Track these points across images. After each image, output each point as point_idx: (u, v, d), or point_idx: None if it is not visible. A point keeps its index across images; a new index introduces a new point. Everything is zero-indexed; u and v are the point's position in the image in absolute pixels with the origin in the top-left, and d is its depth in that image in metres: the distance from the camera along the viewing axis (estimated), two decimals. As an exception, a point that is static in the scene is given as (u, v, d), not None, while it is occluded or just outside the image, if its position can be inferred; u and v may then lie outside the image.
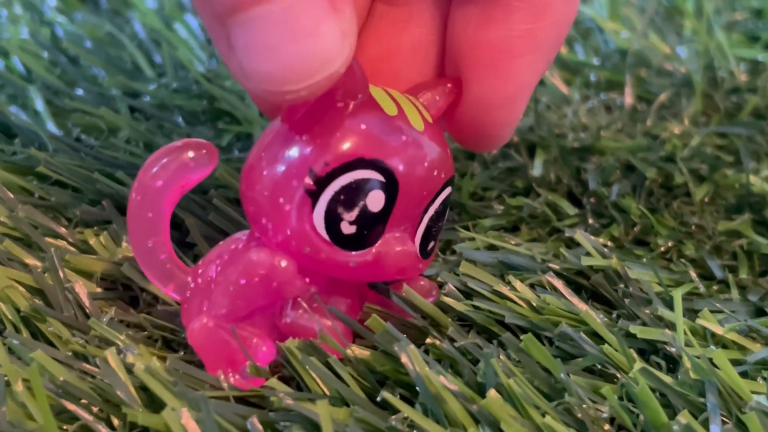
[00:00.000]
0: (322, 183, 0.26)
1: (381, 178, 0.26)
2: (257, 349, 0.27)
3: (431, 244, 0.29)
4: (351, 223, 0.26)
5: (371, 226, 0.27)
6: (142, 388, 0.26)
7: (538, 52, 0.29)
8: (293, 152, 0.26)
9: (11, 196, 0.33)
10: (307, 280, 0.27)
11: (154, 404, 0.26)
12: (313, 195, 0.26)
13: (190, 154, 0.27)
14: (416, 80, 0.30)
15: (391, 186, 0.27)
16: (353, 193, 0.26)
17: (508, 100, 0.30)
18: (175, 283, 0.28)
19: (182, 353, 0.28)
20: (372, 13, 0.31)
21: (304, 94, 0.25)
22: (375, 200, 0.26)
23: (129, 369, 0.26)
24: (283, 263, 0.26)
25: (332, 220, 0.26)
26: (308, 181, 0.26)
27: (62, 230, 0.32)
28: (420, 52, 0.31)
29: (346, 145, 0.26)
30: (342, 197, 0.26)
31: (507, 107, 0.30)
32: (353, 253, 0.27)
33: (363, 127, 0.27)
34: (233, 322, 0.27)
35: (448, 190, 0.28)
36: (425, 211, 0.28)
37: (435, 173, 0.28)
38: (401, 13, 0.31)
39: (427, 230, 0.28)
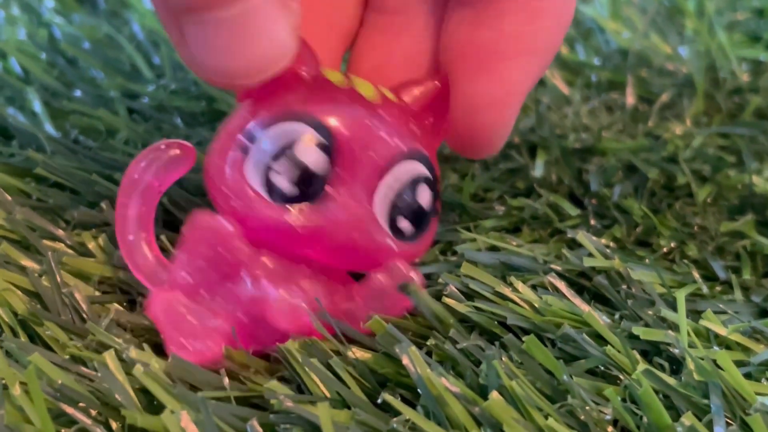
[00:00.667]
0: (251, 137, 0.27)
1: (312, 131, 0.27)
2: (219, 328, 0.27)
3: (404, 223, 0.28)
4: (280, 173, 0.27)
5: (305, 180, 0.27)
6: (141, 391, 0.26)
7: (530, 55, 0.29)
8: (236, 121, 0.28)
9: (9, 198, 0.33)
10: (257, 250, 0.27)
11: (153, 407, 0.25)
12: (245, 150, 0.27)
13: (168, 150, 0.29)
14: None
15: (326, 139, 0.27)
16: (279, 143, 0.27)
17: (496, 102, 0.29)
18: (155, 277, 0.28)
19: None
20: (364, 22, 0.31)
21: (255, 84, 0.26)
22: (305, 152, 0.27)
23: (128, 371, 0.26)
24: (225, 224, 0.27)
25: (261, 171, 0.27)
26: (240, 137, 0.27)
27: (60, 232, 0.32)
28: (412, 62, 0.31)
29: (281, 103, 0.27)
30: (268, 148, 0.27)
31: (495, 110, 0.29)
32: (292, 209, 0.27)
33: (303, 90, 0.28)
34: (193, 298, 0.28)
35: (416, 165, 0.28)
36: (381, 179, 0.27)
37: (385, 137, 0.27)
38: (394, 22, 0.31)
39: (391, 204, 0.28)
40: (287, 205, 0.27)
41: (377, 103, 0.28)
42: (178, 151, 0.28)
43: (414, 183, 0.28)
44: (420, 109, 0.29)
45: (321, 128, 0.27)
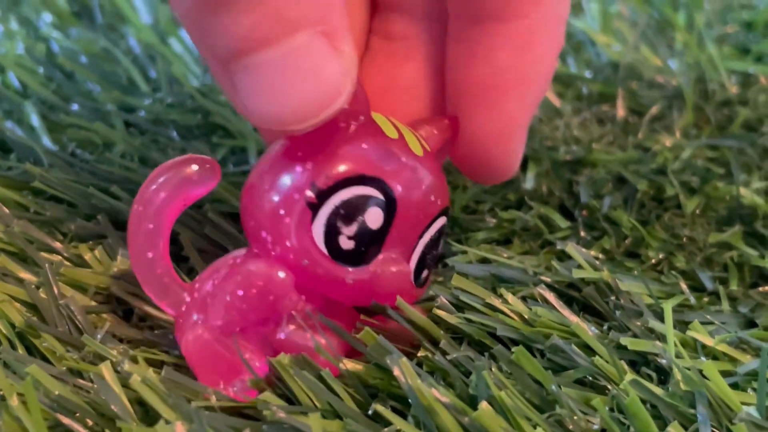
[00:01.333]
0: (323, 196, 0.26)
1: (381, 196, 0.27)
2: (251, 363, 0.27)
3: (425, 273, 0.29)
4: (350, 238, 0.27)
5: (369, 244, 0.27)
6: (137, 402, 0.26)
7: (526, 85, 0.30)
8: (296, 167, 0.27)
9: (6, 210, 0.33)
10: (303, 298, 0.28)
11: (149, 418, 0.26)
12: (314, 208, 0.26)
13: (194, 167, 0.27)
14: (410, 117, 0.30)
15: (390, 205, 0.27)
16: (353, 208, 0.27)
17: (500, 135, 0.30)
18: (171, 298, 0.28)
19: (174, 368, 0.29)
20: (368, 48, 0.31)
21: (308, 129, 0.25)
22: (374, 218, 0.27)
23: (124, 381, 0.26)
24: (281, 274, 0.27)
25: (331, 233, 0.27)
26: (309, 193, 0.26)
27: (57, 245, 0.33)
28: (414, 89, 0.31)
29: (348, 162, 0.27)
30: (342, 211, 0.27)
31: (501, 141, 0.30)
32: (350, 269, 0.27)
33: (364, 146, 0.27)
34: (226, 336, 0.27)
35: (443, 220, 0.29)
36: (421, 236, 0.28)
37: (432, 198, 0.28)
38: (397, 49, 0.31)
39: (421, 257, 0.28)
40: (348, 267, 0.27)
41: (422, 157, 0.28)
42: (202, 169, 0.28)
43: (439, 236, 0.29)
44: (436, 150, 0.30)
45: (389, 195, 0.27)
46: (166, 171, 0.27)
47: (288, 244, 0.27)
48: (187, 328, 0.28)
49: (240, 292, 0.27)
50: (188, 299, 0.28)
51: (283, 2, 0.24)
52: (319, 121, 0.25)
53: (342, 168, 0.27)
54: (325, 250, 0.27)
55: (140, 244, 0.27)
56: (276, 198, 0.27)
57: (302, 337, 0.27)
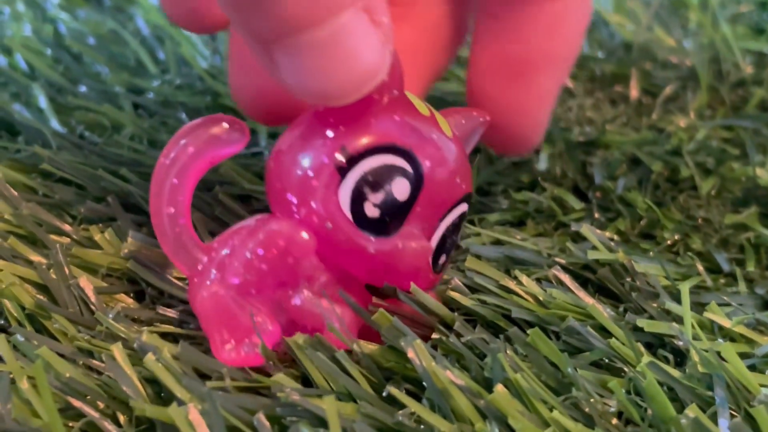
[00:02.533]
0: (352, 161, 0.27)
1: (409, 168, 0.27)
2: (263, 327, 0.27)
3: (442, 259, 0.29)
4: (375, 205, 0.27)
5: (393, 215, 0.27)
6: (148, 381, 0.26)
7: (555, 62, 0.31)
8: (327, 132, 0.27)
9: (15, 193, 0.33)
10: (323, 266, 0.27)
11: (161, 399, 0.26)
12: (342, 172, 0.26)
13: (223, 126, 0.27)
14: (406, 79, 0.31)
15: (417, 179, 0.27)
16: (381, 176, 0.27)
17: (529, 110, 0.31)
18: (188, 257, 0.27)
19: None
20: None
21: (350, 102, 0.26)
22: (401, 189, 0.27)
23: (136, 361, 0.26)
24: (304, 235, 0.27)
25: (357, 199, 0.27)
26: (339, 157, 0.26)
27: (67, 227, 0.32)
28: (407, 53, 0.31)
29: (380, 131, 0.27)
30: (370, 178, 0.27)
31: (530, 116, 0.31)
32: (373, 239, 0.27)
33: (396, 118, 0.27)
34: (242, 297, 0.27)
35: (465, 206, 0.29)
36: (443, 218, 0.28)
37: (457, 180, 0.28)
38: (395, 12, 0.31)
39: (442, 240, 0.28)
40: (370, 236, 0.27)
41: (451, 138, 0.28)
42: (232, 129, 0.27)
43: (460, 223, 0.29)
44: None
45: (417, 169, 0.27)
46: (195, 128, 0.27)
47: (313, 205, 0.27)
48: (203, 285, 0.27)
49: (260, 251, 0.27)
50: (205, 259, 0.27)
51: None
52: (362, 95, 0.25)
53: (373, 136, 0.27)
54: (350, 216, 0.27)
55: (162, 199, 0.27)
56: (305, 161, 0.27)
57: (317, 306, 0.27)
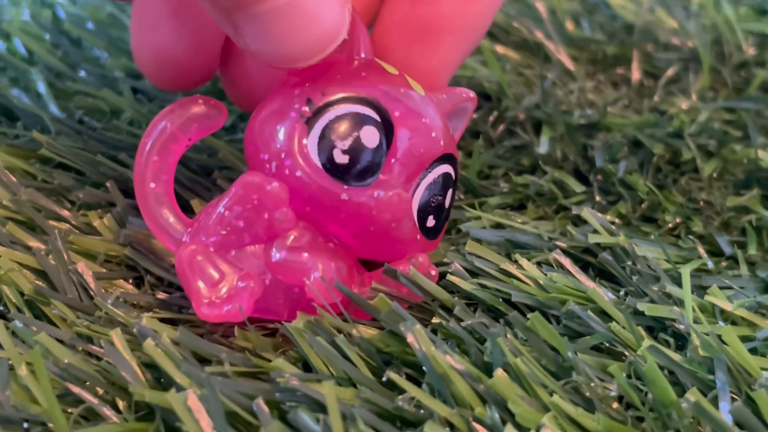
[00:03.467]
0: (318, 111, 0.27)
1: (377, 117, 0.28)
2: (246, 281, 0.27)
3: (431, 221, 0.29)
4: (344, 152, 0.27)
5: (364, 162, 0.27)
6: (147, 367, 0.26)
7: (463, 32, 0.31)
8: (294, 91, 0.28)
9: (14, 179, 0.33)
10: (301, 224, 0.28)
11: (160, 385, 0.26)
12: (309, 122, 0.27)
13: (201, 105, 0.29)
14: None
15: (386, 127, 0.28)
16: (348, 123, 0.27)
17: (429, 73, 0.31)
18: (172, 233, 0.28)
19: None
20: None
21: (313, 63, 0.27)
22: (369, 136, 0.27)
23: (135, 347, 0.26)
24: (275, 185, 0.27)
25: (325, 146, 0.27)
26: (305, 108, 0.27)
27: (65, 213, 0.32)
28: None
29: (345, 83, 0.28)
30: (336, 125, 0.27)
31: (428, 79, 0.31)
32: (346, 186, 0.27)
33: (363, 74, 0.28)
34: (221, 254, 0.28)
35: (448, 168, 0.29)
36: (423, 175, 0.28)
37: (433, 135, 0.28)
38: None
39: (425, 199, 0.28)
40: (342, 183, 0.27)
41: (424, 96, 0.29)
42: (209, 107, 0.29)
43: (446, 185, 0.29)
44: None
45: (385, 117, 0.28)
46: (174, 109, 0.28)
47: (283, 156, 0.27)
48: (181, 248, 0.28)
49: (235, 207, 0.27)
50: (189, 231, 0.28)
51: None
52: (325, 55, 0.26)
53: (338, 88, 0.28)
54: (318, 163, 0.27)
55: (145, 176, 0.28)
56: (274, 119, 0.28)
57: (297, 258, 0.27)
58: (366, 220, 0.28)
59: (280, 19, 0.25)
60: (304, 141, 0.27)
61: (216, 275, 0.27)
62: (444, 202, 0.29)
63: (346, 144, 0.27)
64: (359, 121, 0.27)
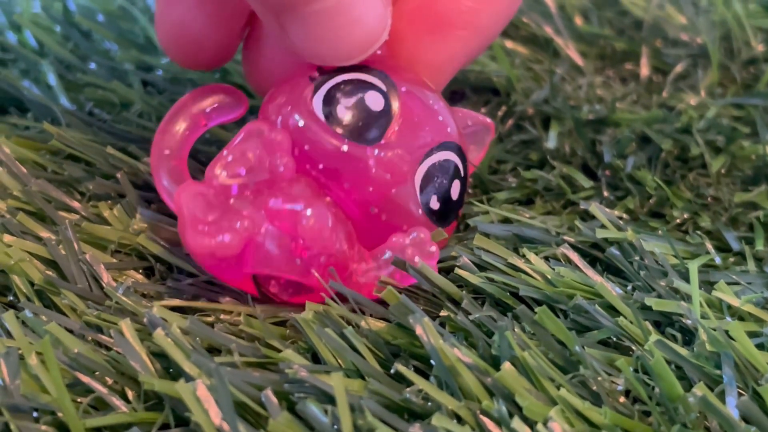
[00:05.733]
0: (326, 75, 0.29)
1: (383, 87, 0.29)
2: (242, 222, 0.27)
3: (434, 202, 0.29)
4: (347, 108, 0.28)
5: (367, 122, 0.28)
6: (156, 356, 0.26)
7: (477, 30, 0.31)
8: (305, 65, 0.29)
9: (24, 170, 0.33)
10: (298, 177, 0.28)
11: (169, 375, 0.26)
12: (317, 84, 0.29)
13: (221, 92, 0.30)
14: None
15: (392, 94, 0.29)
16: (354, 85, 0.29)
17: (435, 65, 0.31)
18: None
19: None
20: None
21: (356, 62, 0.28)
22: (374, 100, 0.28)
23: (145, 336, 0.26)
24: (276, 132, 0.28)
25: (330, 101, 0.28)
26: (315, 73, 0.29)
27: (75, 204, 0.32)
28: None
29: (357, 58, 0.29)
30: (342, 86, 0.28)
31: (432, 73, 0.31)
32: (347, 140, 0.28)
33: (378, 52, 0.29)
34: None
35: (452, 155, 0.29)
36: (427, 155, 0.29)
37: (440, 118, 0.29)
38: None
39: (428, 179, 0.29)
40: (343, 137, 0.28)
41: (436, 93, 0.30)
42: (230, 96, 0.30)
43: (452, 174, 0.29)
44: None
45: (392, 88, 0.29)
46: (197, 92, 0.30)
47: (289, 109, 0.29)
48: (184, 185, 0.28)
49: (238, 153, 0.28)
50: None
51: None
52: (367, 55, 0.28)
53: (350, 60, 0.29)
54: (321, 116, 0.28)
55: (162, 147, 0.29)
56: (286, 84, 0.29)
57: (293, 205, 0.28)
58: (365, 179, 0.28)
59: (328, 21, 0.26)
60: (310, 98, 0.28)
61: (211, 212, 0.27)
62: (449, 189, 0.29)
63: (350, 102, 0.28)
64: (366, 86, 0.29)
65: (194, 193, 0.27)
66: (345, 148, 0.28)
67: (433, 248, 0.29)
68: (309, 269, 0.28)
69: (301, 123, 0.28)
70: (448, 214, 0.30)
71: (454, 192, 0.30)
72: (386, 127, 0.28)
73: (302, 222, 0.27)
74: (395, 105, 0.29)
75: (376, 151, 0.28)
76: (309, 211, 0.27)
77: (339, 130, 0.28)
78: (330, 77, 0.28)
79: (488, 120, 0.32)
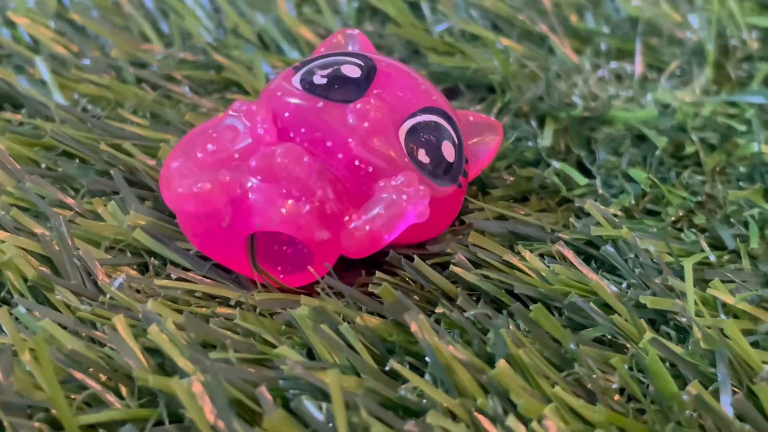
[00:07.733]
0: (306, 62, 0.31)
1: (360, 62, 0.31)
2: (223, 178, 0.28)
3: (422, 155, 0.29)
4: (323, 76, 0.30)
5: (342, 85, 0.30)
6: (150, 353, 0.26)
7: None
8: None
9: (18, 166, 0.33)
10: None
11: (164, 371, 0.26)
12: (296, 68, 0.31)
13: None
14: None
15: (369, 68, 0.31)
16: (330, 61, 0.31)
17: None
18: None
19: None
20: None
21: None
22: (350, 70, 0.31)
23: (139, 333, 0.26)
24: (252, 104, 0.29)
25: (307, 74, 0.31)
26: (297, 64, 0.31)
27: (69, 200, 0.32)
28: None
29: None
30: (319, 63, 0.31)
31: None
32: (322, 99, 0.30)
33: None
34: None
35: (444, 123, 0.30)
36: (412, 116, 0.30)
37: (423, 88, 0.31)
38: None
39: (413, 132, 0.30)
40: (319, 97, 0.30)
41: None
42: None
43: (441, 134, 0.30)
44: None
45: (371, 64, 0.31)
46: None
47: (271, 87, 0.31)
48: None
49: (222, 126, 0.30)
50: None
51: None
52: None
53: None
54: (299, 86, 0.30)
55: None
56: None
57: (269, 163, 0.28)
58: (343, 130, 0.29)
59: None
60: (291, 77, 0.31)
61: (192, 173, 0.28)
62: (440, 148, 0.30)
63: (325, 71, 0.31)
64: (341, 61, 0.31)
65: (176, 167, 0.29)
66: (320, 104, 0.29)
67: (422, 188, 0.28)
68: (298, 221, 0.28)
69: (279, 93, 0.30)
70: (444, 173, 0.30)
71: (447, 153, 0.30)
72: (364, 90, 0.30)
73: (276, 160, 0.28)
74: (372, 74, 0.30)
75: (352, 105, 0.29)
76: (280, 149, 0.28)
77: (315, 93, 0.30)
78: (309, 62, 0.31)
79: (498, 129, 0.33)
